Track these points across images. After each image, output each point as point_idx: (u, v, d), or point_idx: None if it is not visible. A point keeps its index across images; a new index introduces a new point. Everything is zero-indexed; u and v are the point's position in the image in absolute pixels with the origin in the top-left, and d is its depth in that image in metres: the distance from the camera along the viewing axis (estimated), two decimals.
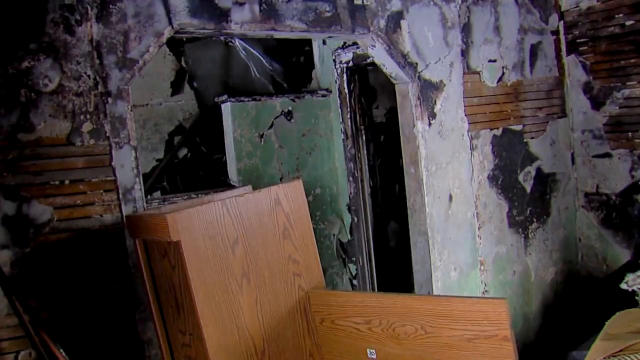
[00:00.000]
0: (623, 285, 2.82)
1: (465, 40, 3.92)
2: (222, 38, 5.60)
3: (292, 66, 6.10)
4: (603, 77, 4.33)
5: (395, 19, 3.55)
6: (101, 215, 2.63)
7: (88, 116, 2.59)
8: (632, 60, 4.13)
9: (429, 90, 3.71)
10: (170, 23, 2.78)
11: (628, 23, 4.10)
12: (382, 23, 3.49)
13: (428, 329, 2.12)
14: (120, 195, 2.67)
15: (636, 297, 2.78)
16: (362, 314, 2.32)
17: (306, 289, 2.52)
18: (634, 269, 2.85)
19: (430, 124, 3.72)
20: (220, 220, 2.28)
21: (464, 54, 3.92)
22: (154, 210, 2.64)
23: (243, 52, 5.96)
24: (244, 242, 2.34)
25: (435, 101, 3.74)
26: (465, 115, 3.92)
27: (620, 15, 4.14)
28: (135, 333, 2.69)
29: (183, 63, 6.02)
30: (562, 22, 4.51)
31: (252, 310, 2.34)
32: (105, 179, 2.64)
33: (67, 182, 2.56)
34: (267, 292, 2.40)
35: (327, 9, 3.26)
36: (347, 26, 3.34)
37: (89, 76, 2.59)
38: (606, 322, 2.63)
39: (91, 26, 2.59)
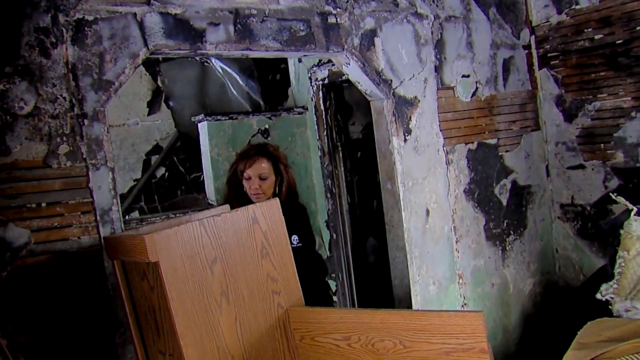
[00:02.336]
0: (598, 296, 2.87)
1: (438, 56, 3.98)
2: (197, 58, 5.62)
3: (268, 84, 6.13)
4: (574, 90, 4.42)
5: (369, 37, 3.60)
6: (79, 237, 2.62)
7: (64, 138, 2.59)
8: (602, 73, 4.22)
9: (403, 106, 3.76)
10: (146, 44, 2.80)
11: (597, 37, 4.19)
12: (356, 41, 3.53)
13: (406, 344, 2.14)
14: (98, 217, 2.66)
15: (609, 307, 2.82)
16: (341, 330, 2.33)
17: (285, 306, 2.53)
18: (609, 279, 2.90)
19: (405, 140, 3.76)
20: (199, 240, 2.28)
21: (438, 70, 3.97)
22: (132, 231, 2.63)
23: (219, 70, 5.97)
24: (222, 261, 2.34)
25: (410, 117, 3.78)
26: (440, 130, 3.96)
27: (590, 29, 4.23)
28: (115, 356, 2.67)
29: (159, 82, 6.04)
30: (533, 36, 4.59)
31: (232, 329, 2.34)
32: (82, 200, 2.64)
33: (44, 204, 2.55)
34: (246, 311, 2.40)
35: (302, 28, 3.30)
36: (321, 45, 3.38)
37: (64, 98, 2.59)
38: (578, 332, 2.67)
39: (67, 49, 2.59)
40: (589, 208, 4.48)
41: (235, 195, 3.55)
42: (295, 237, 3.37)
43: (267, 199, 3.32)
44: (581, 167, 4.48)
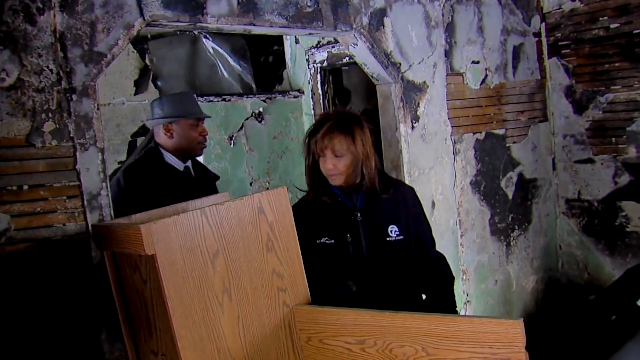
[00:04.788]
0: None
1: (449, 40, 3.77)
2: (195, 33, 5.37)
3: (260, 66, 5.90)
4: (586, 81, 4.24)
5: (379, 17, 3.38)
6: (64, 224, 2.39)
7: (50, 115, 2.34)
8: (617, 64, 4.05)
9: (412, 92, 3.55)
10: (142, 14, 2.55)
11: (613, 26, 4.02)
12: (366, 20, 3.31)
13: (430, 351, 1.94)
14: (86, 202, 2.43)
15: None
16: (355, 333, 2.12)
17: (291, 305, 2.32)
18: None
19: (413, 128, 3.55)
20: (200, 231, 2.05)
21: (448, 54, 3.77)
22: (123, 219, 2.39)
23: (210, 50, 5.73)
24: (225, 255, 2.12)
25: (418, 104, 3.57)
26: (449, 118, 3.77)
27: (605, 18, 4.05)
28: (102, 354, 2.45)
29: (147, 61, 5.77)
30: (544, 24, 4.40)
31: (234, 330, 2.13)
32: (68, 184, 2.40)
33: (26, 187, 2.31)
34: (250, 310, 2.19)
35: (309, 4, 3.07)
36: (329, 23, 3.15)
37: (51, 71, 2.34)
38: None
39: (55, 16, 2.34)
40: (596, 204, 4.32)
41: (315, 179, 2.68)
42: (394, 229, 2.57)
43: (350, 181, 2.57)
44: (590, 161, 4.31)
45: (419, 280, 2.64)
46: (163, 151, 3.24)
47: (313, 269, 2.49)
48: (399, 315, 2.01)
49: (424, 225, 2.72)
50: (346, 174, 2.54)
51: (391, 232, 2.58)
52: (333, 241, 2.54)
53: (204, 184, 3.36)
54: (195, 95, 3.59)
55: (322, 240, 2.56)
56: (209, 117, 3.39)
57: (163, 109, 3.25)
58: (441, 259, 2.76)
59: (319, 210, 2.60)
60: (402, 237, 2.57)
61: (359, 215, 2.55)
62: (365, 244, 2.53)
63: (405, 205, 2.64)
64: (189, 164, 3.33)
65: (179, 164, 3.25)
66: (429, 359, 1.95)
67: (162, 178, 3.14)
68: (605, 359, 2.61)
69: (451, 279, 2.71)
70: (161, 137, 3.25)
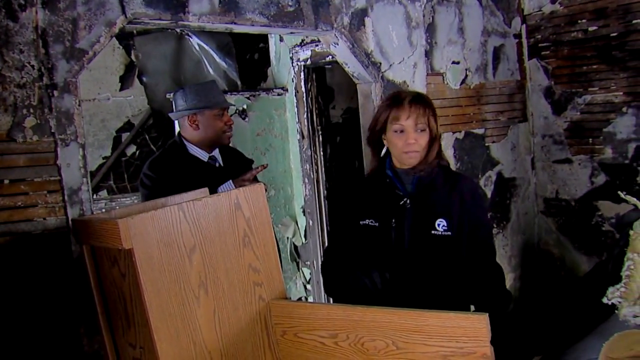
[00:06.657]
0: (604, 300, 2.76)
1: (429, 40, 3.82)
2: (178, 30, 5.39)
3: (246, 63, 5.94)
4: (564, 82, 4.30)
5: (360, 17, 3.42)
6: (44, 219, 2.42)
7: (31, 110, 2.38)
8: (594, 66, 4.11)
9: (392, 91, 3.59)
10: (124, 12, 2.59)
11: (591, 29, 4.08)
12: (346, 20, 3.36)
13: (400, 345, 1.99)
14: (66, 197, 2.46)
15: (616, 311, 2.72)
16: (327, 327, 2.17)
17: (267, 299, 2.36)
18: (612, 280, 2.79)
19: None
20: (177, 226, 2.09)
21: (428, 54, 3.82)
22: (103, 213, 2.43)
23: (196, 47, 5.76)
24: (201, 250, 2.16)
25: None
26: None
27: (584, 20, 4.11)
28: (80, 347, 2.48)
29: (133, 57, 5.80)
30: (524, 25, 4.46)
31: (210, 323, 2.17)
32: (49, 178, 2.43)
33: (6, 181, 2.34)
34: (225, 304, 2.23)
35: (290, 4, 3.11)
36: (310, 22, 3.19)
37: (33, 66, 2.37)
38: (603, 344, 2.54)
39: (36, 12, 2.37)
40: (573, 203, 4.38)
41: (377, 158, 2.51)
42: (442, 222, 2.33)
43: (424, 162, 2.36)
44: (568, 161, 4.38)
45: (462, 287, 2.34)
46: (187, 143, 3.21)
47: (349, 252, 2.43)
48: (369, 309, 2.06)
49: (481, 230, 2.41)
50: (422, 153, 2.34)
51: (438, 225, 2.34)
52: (377, 224, 2.38)
53: (233, 170, 3.23)
54: (217, 84, 3.45)
55: (366, 222, 2.40)
56: (233, 105, 3.33)
57: (186, 101, 3.18)
58: (497, 271, 2.45)
59: (370, 190, 2.47)
60: (449, 233, 2.33)
61: (408, 201, 2.36)
62: (407, 233, 2.33)
63: (461, 201, 2.38)
64: (215, 152, 3.28)
65: (203, 155, 3.21)
66: (399, 353, 2.00)
67: (185, 169, 3.11)
68: (563, 351, 2.67)
69: (502, 294, 2.43)
70: (186, 129, 3.21)
